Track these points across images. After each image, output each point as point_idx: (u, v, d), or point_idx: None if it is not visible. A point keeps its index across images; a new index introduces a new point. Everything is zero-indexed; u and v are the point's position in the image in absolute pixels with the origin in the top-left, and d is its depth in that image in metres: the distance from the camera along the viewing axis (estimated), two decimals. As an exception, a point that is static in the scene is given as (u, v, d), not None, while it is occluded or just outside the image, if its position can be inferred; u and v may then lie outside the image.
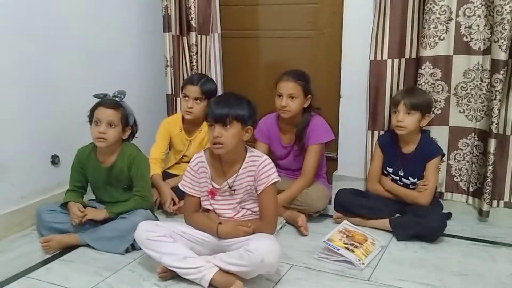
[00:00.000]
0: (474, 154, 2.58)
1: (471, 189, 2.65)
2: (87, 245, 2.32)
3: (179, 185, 2.19)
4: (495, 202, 2.59)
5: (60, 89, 2.70)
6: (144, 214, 2.31)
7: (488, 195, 2.52)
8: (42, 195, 2.61)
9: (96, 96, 2.35)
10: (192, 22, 3.08)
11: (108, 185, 2.42)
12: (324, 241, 2.19)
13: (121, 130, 2.35)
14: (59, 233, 2.34)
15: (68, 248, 2.31)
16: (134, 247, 2.26)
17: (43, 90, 2.61)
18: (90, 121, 2.32)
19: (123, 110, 2.35)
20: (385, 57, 2.62)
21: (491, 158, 2.48)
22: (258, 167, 2.06)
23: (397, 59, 2.62)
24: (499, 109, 2.43)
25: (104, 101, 2.33)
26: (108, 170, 2.39)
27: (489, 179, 2.50)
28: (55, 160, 2.70)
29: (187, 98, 2.77)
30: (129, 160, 2.36)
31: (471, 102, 2.56)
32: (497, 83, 2.39)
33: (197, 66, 3.16)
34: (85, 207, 2.37)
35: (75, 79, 2.78)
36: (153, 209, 2.49)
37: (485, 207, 2.54)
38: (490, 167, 2.49)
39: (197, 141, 2.86)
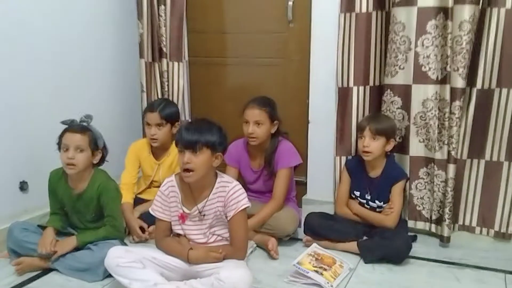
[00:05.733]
0: (435, 183, 2.61)
1: (433, 217, 2.67)
2: (58, 270, 2.29)
3: (150, 209, 2.20)
4: (457, 226, 2.66)
5: (29, 114, 2.67)
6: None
7: (450, 220, 2.57)
8: (10, 221, 2.54)
9: (63, 122, 2.33)
10: (164, 49, 3.13)
11: (76, 212, 2.40)
12: (294, 264, 2.22)
13: (90, 155, 2.32)
14: (28, 251, 2.31)
15: (38, 271, 2.29)
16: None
17: (11, 115, 2.58)
18: (59, 148, 2.30)
19: (91, 134, 2.32)
20: (351, 84, 2.69)
21: (451, 183, 2.54)
22: (228, 193, 2.08)
23: (362, 87, 2.69)
24: (459, 135, 2.52)
25: (71, 126, 2.31)
26: (78, 197, 2.37)
27: (451, 205, 2.56)
28: (23, 186, 2.66)
29: (149, 126, 2.80)
30: (99, 190, 2.34)
31: (429, 132, 2.59)
32: (457, 110, 2.47)
33: (168, 92, 3.19)
34: (63, 233, 2.37)
35: (45, 105, 2.75)
36: (123, 238, 2.48)
37: (446, 233, 2.59)
38: (450, 193, 2.55)
39: (166, 165, 2.86)
